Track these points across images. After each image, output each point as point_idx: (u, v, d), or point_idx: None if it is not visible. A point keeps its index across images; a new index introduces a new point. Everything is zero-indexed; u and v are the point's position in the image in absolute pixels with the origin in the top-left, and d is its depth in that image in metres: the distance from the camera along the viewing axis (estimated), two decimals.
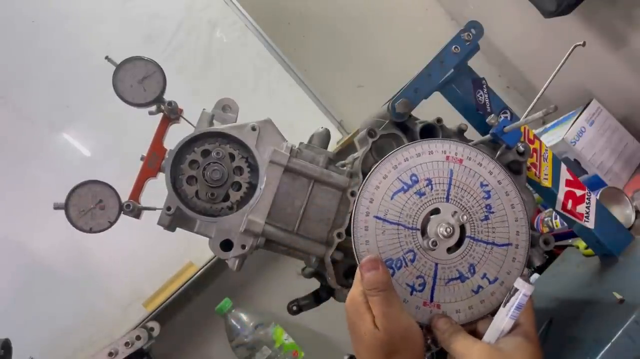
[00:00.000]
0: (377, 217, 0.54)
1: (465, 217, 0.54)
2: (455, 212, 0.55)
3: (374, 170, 0.56)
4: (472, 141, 0.62)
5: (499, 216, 0.56)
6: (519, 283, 0.49)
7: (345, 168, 0.63)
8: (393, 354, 0.48)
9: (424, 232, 0.55)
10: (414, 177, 0.56)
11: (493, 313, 0.52)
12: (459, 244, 0.55)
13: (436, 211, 0.56)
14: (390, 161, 0.56)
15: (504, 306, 0.50)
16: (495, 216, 0.56)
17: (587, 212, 0.66)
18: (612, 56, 1.12)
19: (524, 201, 0.57)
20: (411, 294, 0.53)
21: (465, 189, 0.56)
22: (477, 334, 0.52)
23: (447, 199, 0.56)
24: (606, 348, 0.51)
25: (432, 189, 0.56)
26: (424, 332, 0.52)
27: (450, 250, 0.55)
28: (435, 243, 0.53)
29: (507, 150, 0.60)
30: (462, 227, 0.55)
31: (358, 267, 0.52)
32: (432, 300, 0.54)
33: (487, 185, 0.57)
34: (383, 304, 0.49)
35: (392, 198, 0.55)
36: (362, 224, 0.54)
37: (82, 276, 1.36)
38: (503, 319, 0.50)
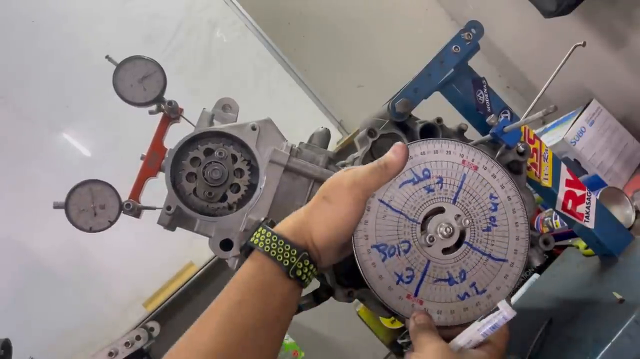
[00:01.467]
0: (381, 200, 0.54)
1: (467, 222, 0.54)
2: (459, 215, 0.54)
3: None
4: (472, 140, 0.62)
5: (501, 231, 0.56)
6: (502, 305, 0.48)
7: (345, 168, 0.63)
8: (325, 199, 0.52)
9: (423, 227, 0.55)
10: (426, 172, 0.55)
11: (470, 322, 0.51)
12: (455, 247, 0.55)
13: (440, 210, 0.56)
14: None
15: (480, 321, 0.49)
16: (497, 229, 0.55)
17: (587, 212, 0.66)
18: (612, 56, 1.12)
19: (524, 202, 0.57)
20: (397, 283, 0.53)
21: (474, 196, 0.56)
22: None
23: (454, 201, 0.55)
24: (606, 348, 0.51)
25: (441, 187, 0.55)
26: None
27: (445, 251, 0.55)
28: (432, 239, 0.53)
29: (507, 150, 0.60)
30: (462, 232, 0.55)
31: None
32: (416, 294, 0.53)
33: (496, 198, 0.56)
34: (371, 173, 0.52)
35: (400, 186, 0.54)
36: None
37: (82, 276, 1.37)
38: (474, 333, 0.49)
